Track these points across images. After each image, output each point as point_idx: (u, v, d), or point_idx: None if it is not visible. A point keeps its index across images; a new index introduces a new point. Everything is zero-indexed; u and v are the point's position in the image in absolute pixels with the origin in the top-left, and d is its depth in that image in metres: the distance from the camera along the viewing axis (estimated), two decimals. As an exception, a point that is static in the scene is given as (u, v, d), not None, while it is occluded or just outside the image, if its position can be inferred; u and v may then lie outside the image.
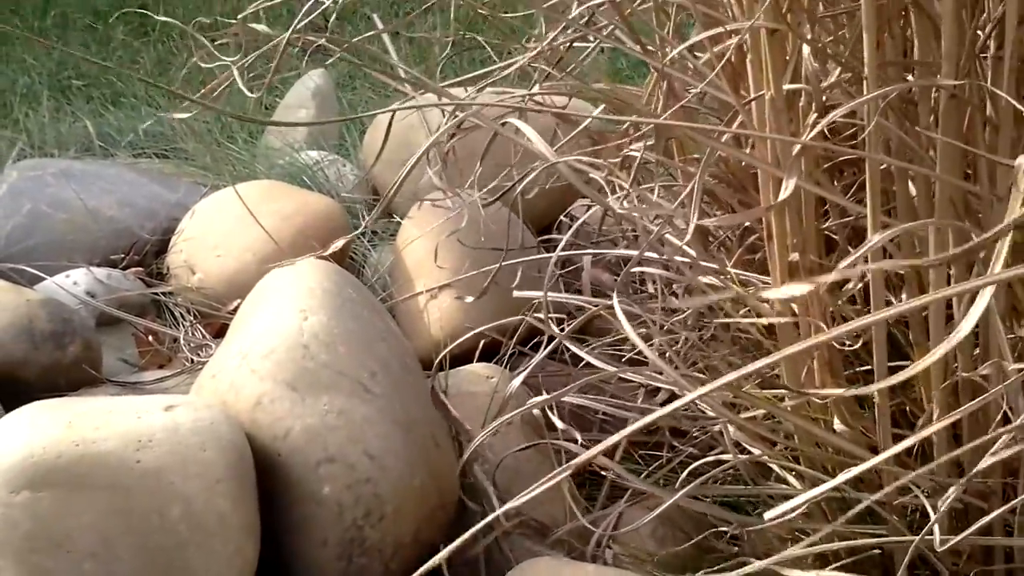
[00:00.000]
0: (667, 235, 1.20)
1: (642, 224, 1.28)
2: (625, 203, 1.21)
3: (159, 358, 1.48)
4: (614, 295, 1.13)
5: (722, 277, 1.16)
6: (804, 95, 0.99)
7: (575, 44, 1.40)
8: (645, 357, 1.17)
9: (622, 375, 1.24)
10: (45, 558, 0.96)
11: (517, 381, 1.26)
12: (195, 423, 1.03)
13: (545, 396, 1.22)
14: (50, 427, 1.00)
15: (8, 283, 1.40)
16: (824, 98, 0.97)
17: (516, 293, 1.31)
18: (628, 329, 1.08)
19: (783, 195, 0.90)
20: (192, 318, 1.54)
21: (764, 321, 1.13)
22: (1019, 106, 0.86)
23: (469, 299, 1.43)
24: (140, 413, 1.03)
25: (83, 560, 0.96)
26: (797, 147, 0.92)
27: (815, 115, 0.95)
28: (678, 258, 1.22)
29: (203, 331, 1.51)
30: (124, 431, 1.00)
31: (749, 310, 1.18)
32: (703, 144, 1.14)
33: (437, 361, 1.32)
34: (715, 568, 1.14)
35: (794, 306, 1.04)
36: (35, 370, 1.32)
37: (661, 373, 1.19)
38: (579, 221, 1.42)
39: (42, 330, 1.33)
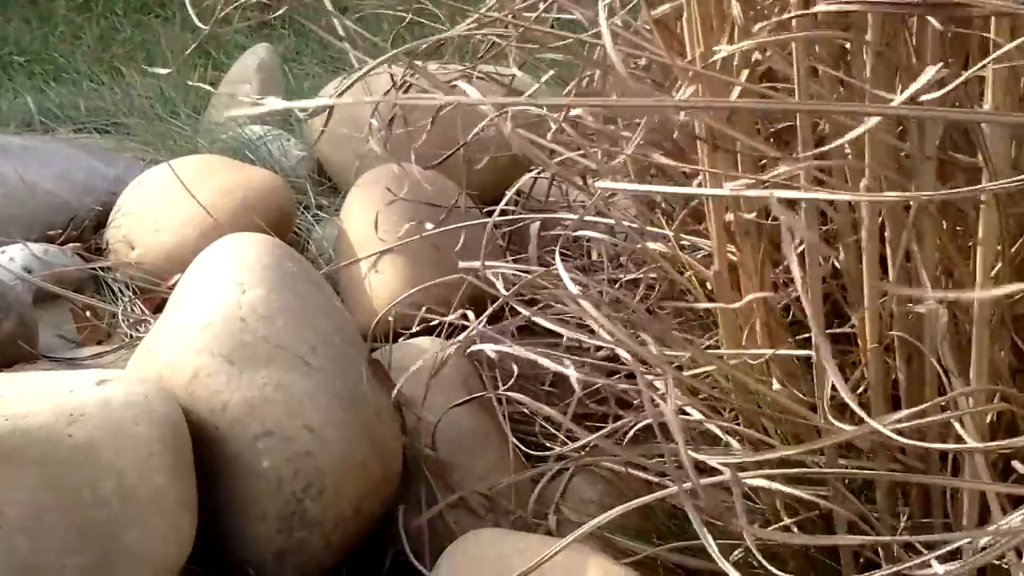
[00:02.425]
0: (611, 204, 1.19)
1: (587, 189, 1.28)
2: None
3: (97, 334, 1.46)
4: (556, 258, 1.12)
5: (668, 243, 1.16)
6: (738, 56, 0.98)
7: (523, 15, 1.40)
8: (590, 328, 1.18)
9: (567, 340, 1.24)
10: (-26, 535, 0.94)
11: (459, 338, 1.25)
12: (128, 397, 1.01)
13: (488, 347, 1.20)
14: (-21, 402, 0.98)
15: (-60, 259, 1.37)
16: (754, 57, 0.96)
17: (461, 264, 1.30)
18: (572, 287, 1.08)
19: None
20: (131, 293, 1.52)
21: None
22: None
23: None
24: (72, 387, 1.01)
25: (14, 535, 0.94)
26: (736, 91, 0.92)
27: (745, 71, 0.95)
28: (623, 221, 1.22)
29: (142, 307, 1.48)
30: (55, 405, 0.98)
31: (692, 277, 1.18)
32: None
33: (373, 329, 1.30)
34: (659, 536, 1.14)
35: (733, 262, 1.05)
36: (-33, 346, 1.30)
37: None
38: (514, 189, 1.41)
39: (-25, 306, 1.31)
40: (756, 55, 0.96)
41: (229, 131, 1.97)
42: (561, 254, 1.17)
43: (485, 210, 1.62)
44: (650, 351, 1.01)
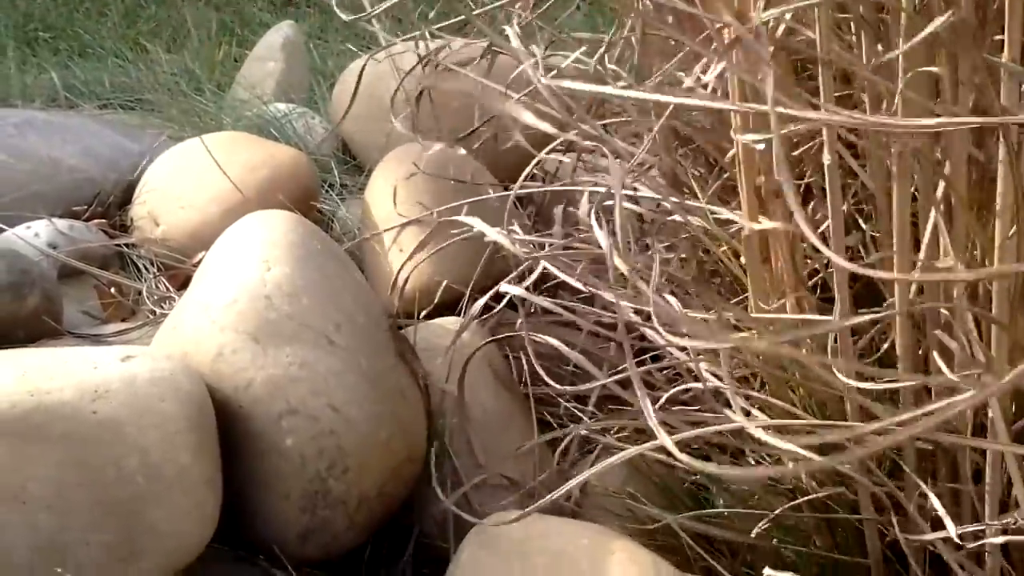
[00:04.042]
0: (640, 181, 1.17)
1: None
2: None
3: (122, 311, 1.45)
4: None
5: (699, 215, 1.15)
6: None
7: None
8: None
9: (593, 325, 1.23)
10: (0, 510, 0.94)
11: (476, 309, 1.23)
12: (153, 374, 1.01)
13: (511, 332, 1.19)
14: (5, 377, 0.97)
15: (-36, 233, 1.37)
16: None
17: (487, 236, 1.29)
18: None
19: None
20: (156, 270, 1.51)
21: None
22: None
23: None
24: (96, 364, 1.00)
25: (38, 511, 0.94)
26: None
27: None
28: (650, 194, 1.20)
29: (167, 283, 1.48)
30: (80, 381, 0.98)
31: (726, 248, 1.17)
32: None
33: (397, 307, 1.29)
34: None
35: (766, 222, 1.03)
36: (-8, 321, 1.30)
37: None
38: (535, 162, 1.40)
39: (-1, 281, 1.30)
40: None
41: (254, 108, 1.96)
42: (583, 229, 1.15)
43: (507, 185, 1.61)
44: (680, 315, 1.00)
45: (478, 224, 1.17)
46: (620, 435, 1.23)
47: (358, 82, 1.64)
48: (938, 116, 0.85)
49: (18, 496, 0.94)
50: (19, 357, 1.03)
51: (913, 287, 0.94)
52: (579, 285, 1.12)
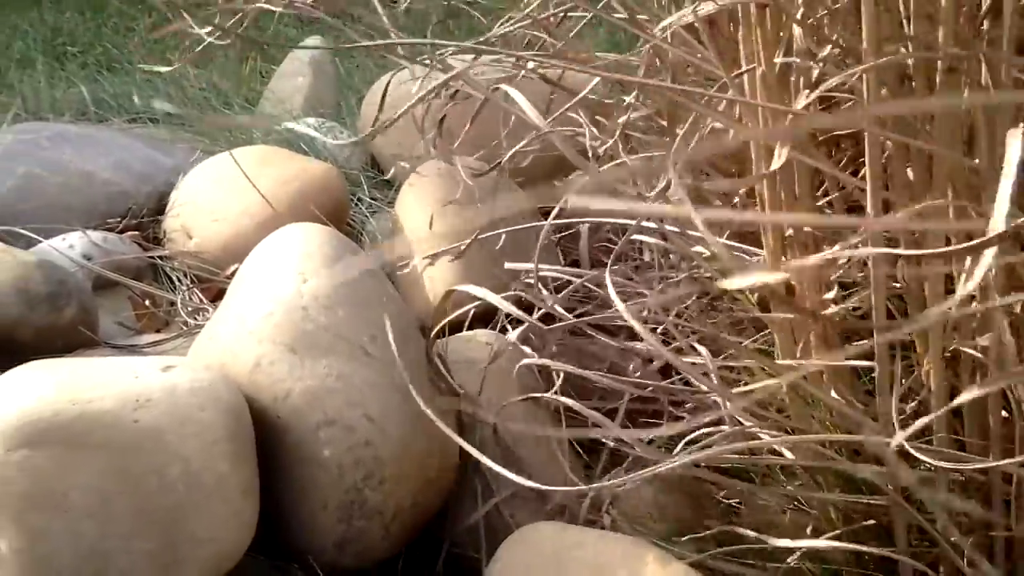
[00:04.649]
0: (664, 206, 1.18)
1: (637, 192, 1.27)
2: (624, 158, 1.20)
3: (155, 322, 1.47)
4: (607, 267, 1.12)
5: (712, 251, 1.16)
6: (796, 72, 0.97)
7: (572, 15, 1.39)
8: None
9: (623, 344, 1.24)
10: (42, 517, 0.95)
11: (513, 336, 1.25)
12: (193, 384, 1.02)
13: (538, 358, 1.21)
14: (47, 386, 0.99)
15: (3, 245, 1.38)
16: (816, 74, 0.95)
17: (508, 265, 1.30)
18: (619, 304, 1.07)
19: (776, 164, 0.89)
20: (189, 282, 1.53)
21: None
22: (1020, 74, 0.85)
23: (449, 259, 1.42)
24: (138, 373, 1.02)
25: (80, 520, 0.95)
26: (790, 116, 0.91)
27: (806, 90, 0.94)
28: (671, 228, 1.21)
29: (200, 295, 1.49)
30: (122, 390, 0.99)
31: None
32: (695, 112, 1.13)
33: (436, 329, 1.30)
34: (710, 533, 1.14)
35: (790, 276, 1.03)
36: (30, 331, 1.31)
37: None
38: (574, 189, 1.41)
39: (37, 292, 1.32)
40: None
41: (283, 123, 1.98)
42: (610, 254, 1.16)
43: (539, 207, 1.62)
44: (703, 365, 1.01)
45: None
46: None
47: (383, 99, 1.65)
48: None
49: (61, 504, 0.95)
50: (60, 366, 1.05)
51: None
52: (595, 335, 1.13)
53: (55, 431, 0.96)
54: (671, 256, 1.42)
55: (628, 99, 1.31)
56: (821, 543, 1.00)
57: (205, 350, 1.16)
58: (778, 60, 0.94)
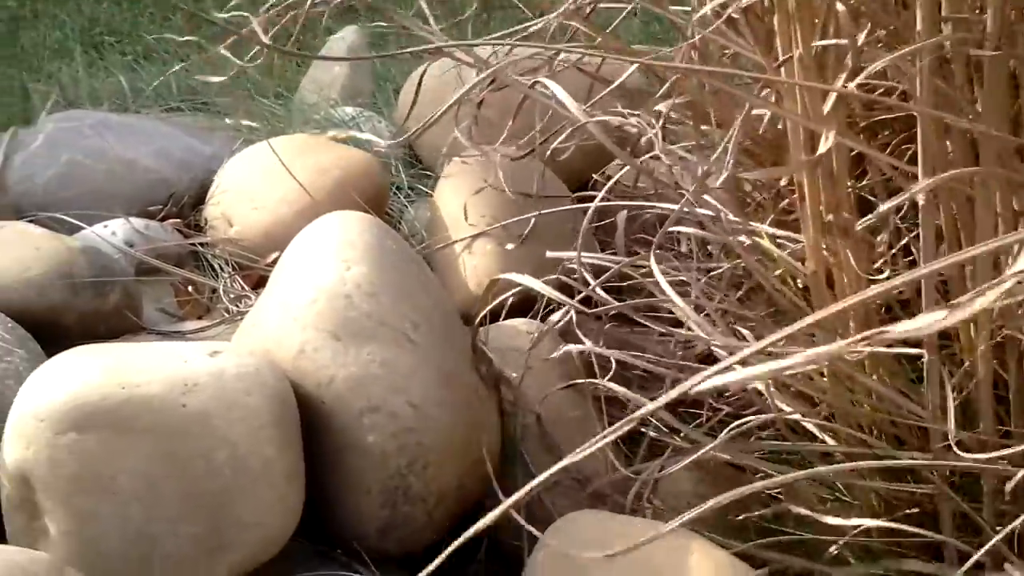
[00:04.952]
0: (704, 195, 1.18)
1: (677, 181, 1.27)
2: (663, 157, 1.20)
3: (197, 309, 1.48)
4: (651, 252, 1.12)
5: (755, 238, 1.15)
6: (834, 58, 0.96)
7: (608, 6, 1.39)
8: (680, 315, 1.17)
9: (661, 331, 1.24)
10: (91, 500, 0.96)
11: (556, 317, 1.24)
12: (239, 369, 1.03)
13: (580, 345, 1.21)
14: (95, 370, 1.00)
15: (47, 231, 1.40)
16: (854, 58, 0.95)
17: (549, 254, 1.30)
18: (664, 283, 1.07)
19: (823, 147, 0.89)
20: (230, 269, 1.53)
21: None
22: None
23: (510, 246, 1.42)
24: (185, 358, 1.02)
25: (128, 503, 0.96)
26: (832, 97, 0.90)
27: (848, 73, 0.93)
28: (709, 212, 1.20)
29: (241, 282, 1.50)
30: (169, 375, 1.00)
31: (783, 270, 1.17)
32: (736, 100, 1.13)
33: (480, 316, 1.30)
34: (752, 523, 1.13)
35: (829, 263, 1.03)
36: (75, 316, 1.32)
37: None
38: (614, 179, 1.42)
39: (82, 277, 1.33)
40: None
41: (321, 111, 1.99)
42: (650, 244, 1.16)
43: (576, 195, 1.62)
44: (745, 346, 1.00)
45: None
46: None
47: (418, 88, 1.66)
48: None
49: (108, 487, 0.96)
50: (107, 351, 1.06)
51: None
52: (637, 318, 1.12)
53: (103, 415, 0.97)
54: (708, 247, 1.41)
55: (663, 89, 1.31)
56: (870, 522, 0.99)
57: (249, 336, 1.17)
58: (818, 43, 0.94)
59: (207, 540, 0.98)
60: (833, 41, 0.94)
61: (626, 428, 0.77)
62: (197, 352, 1.04)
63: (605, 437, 0.79)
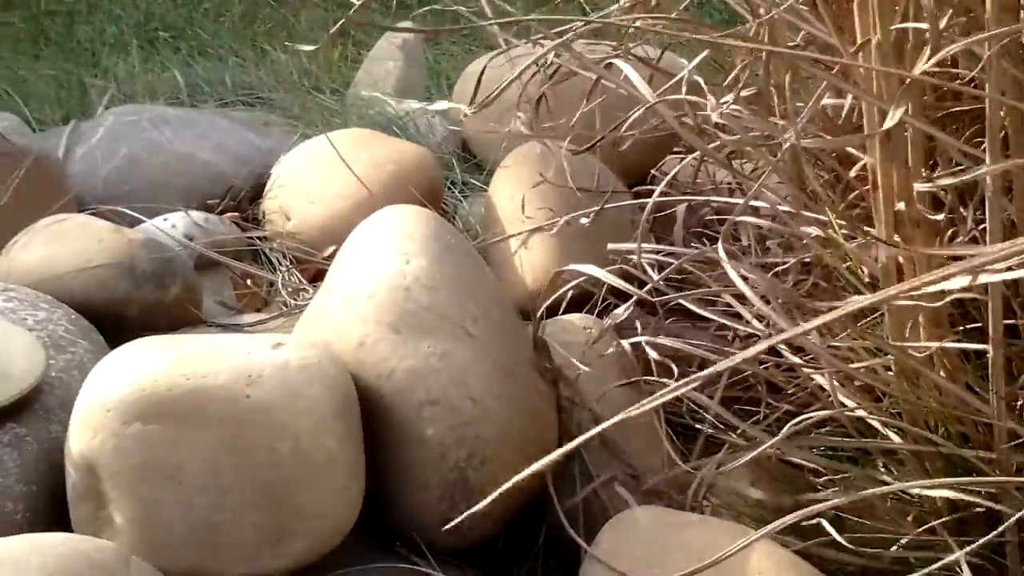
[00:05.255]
0: (764, 189, 1.17)
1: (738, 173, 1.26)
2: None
3: (256, 302, 1.49)
4: (719, 243, 1.11)
5: (824, 228, 1.14)
6: (911, 41, 0.95)
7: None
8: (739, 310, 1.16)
9: (721, 322, 1.23)
10: (156, 489, 0.97)
11: (620, 311, 1.24)
12: (302, 361, 1.03)
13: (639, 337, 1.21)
14: (160, 361, 1.01)
15: (110, 224, 1.41)
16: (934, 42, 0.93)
17: (611, 246, 1.30)
18: (732, 273, 1.06)
19: (888, 123, 0.87)
20: (288, 263, 1.55)
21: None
22: None
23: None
24: (249, 350, 1.03)
25: (193, 493, 0.97)
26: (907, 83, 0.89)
27: (928, 55, 0.92)
28: (772, 205, 1.20)
29: (299, 276, 1.51)
30: (234, 366, 1.01)
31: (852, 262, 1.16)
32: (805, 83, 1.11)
33: (541, 310, 1.30)
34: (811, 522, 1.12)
35: (900, 258, 1.02)
36: (137, 308, 1.34)
37: (759, 320, 1.17)
38: (672, 172, 1.41)
39: (143, 270, 1.35)
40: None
41: (375, 106, 2.00)
42: (711, 238, 1.15)
43: (633, 191, 1.62)
44: (815, 345, 0.99)
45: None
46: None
47: (478, 83, 1.66)
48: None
49: (173, 477, 0.97)
50: (171, 343, 1.07)
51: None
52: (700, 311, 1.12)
53: (168, 405, 0.98)
54: (767, 242, 1.40)
55: (731, 76, 1.30)
56: (950, 493, 0.97)
57: (310, 329, 1.18)
58: (896, 25, 0.92)
59: (270, 531, 0.98)
60: (912, 24, 0.93)
61: (670, 396, 0.77)
62: (260, 344, 1.04)
63: (652, 402, 0.79)
